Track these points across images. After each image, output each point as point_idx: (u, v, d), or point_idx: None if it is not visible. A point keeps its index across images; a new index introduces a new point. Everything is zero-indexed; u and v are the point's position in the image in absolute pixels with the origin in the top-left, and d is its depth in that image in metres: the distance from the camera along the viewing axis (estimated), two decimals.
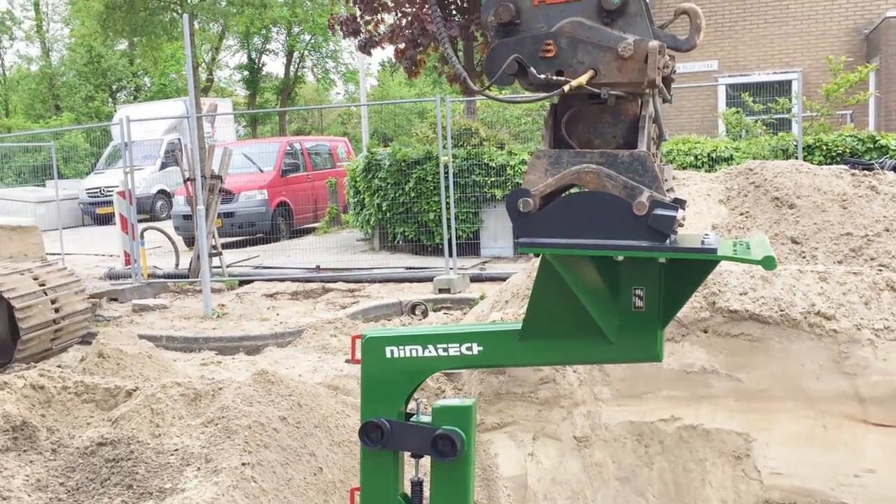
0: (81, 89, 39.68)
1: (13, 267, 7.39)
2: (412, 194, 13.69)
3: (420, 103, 49.91)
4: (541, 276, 3.00)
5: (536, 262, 3.11)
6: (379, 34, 15.17)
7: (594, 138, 2.88)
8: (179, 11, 13.16)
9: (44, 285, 7.26)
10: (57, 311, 7.24)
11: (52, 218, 17.84)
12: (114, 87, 41.78)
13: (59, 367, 6.70)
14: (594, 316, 2.87)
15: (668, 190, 2.76)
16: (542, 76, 2.80)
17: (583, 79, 2.70)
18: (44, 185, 24.58)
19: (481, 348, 3.09)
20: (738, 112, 14.73)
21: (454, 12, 14.76)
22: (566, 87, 2.74)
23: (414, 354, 3.14)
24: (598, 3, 2.75)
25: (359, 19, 15.20)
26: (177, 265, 13.40)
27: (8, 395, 4.42)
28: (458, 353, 3.12)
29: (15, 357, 7.05)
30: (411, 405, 3.15)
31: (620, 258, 2.82)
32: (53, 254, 13.25)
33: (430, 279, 11.47)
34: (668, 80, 2.88)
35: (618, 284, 2.94)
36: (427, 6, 14.29)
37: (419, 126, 23.39)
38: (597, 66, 2.69)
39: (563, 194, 2.95)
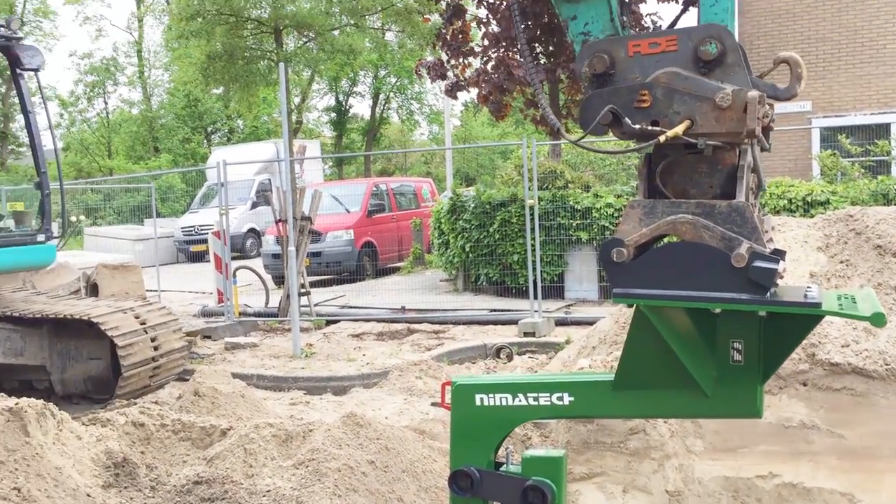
0: (179, 132, 41.43)
1: (116, 305, 7.71)
2: (496, 236, 13.71)
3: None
4: (635, 326, 2.96)
5: (625, 308, 3.05)
6: (465, 78, 15.39)
7: (690, 188, 2.85)
8: (275, 60, 13.65)
9: (144, 324, 7.54)
10: (156, 349, 7.50)
11: (150, 255, 18.57)
12: (209, 129, 43.48)
13: (156, 403, 6.94)
14: (690, 369, 2.81)
15: (767, 241, 2.70)
16: (637, 126, 2.79)
17: (679, 129, 2.68)
18: (142, 224, 25.64)
19: (573, 398, 3.05)
20: (834, 154, 14.28)
21: (540, 56, 14.88)
22: (662, 138, 2.73)
23: (504, 403, 3.13)
24: (695, 53, 2.73)
25: (446, 64, 15.47)
26: (266, 303, 13.73)
27: (110, 432, 4.59)
28: (549, 403, 3.09)
29: (116, 393, 7.32)
30: (501, 453, 3.13)
31: (718, 311, 2.76)
32: (151, 290, 13.77)
33: (514, 322, 11.42)
34: (767, 130, 2.83)
35: (715, 337, 2.88)
36: (519, 53, 14.44)
37: (503, 167, 23.52)
38: (693, 116, 2.67)
39: (658, 244, 2.92)
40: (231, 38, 13.52)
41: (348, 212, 18.89)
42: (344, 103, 46.04)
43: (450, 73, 15.54)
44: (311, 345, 10.80)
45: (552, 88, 15.10)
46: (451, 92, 15.80)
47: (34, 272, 8.90)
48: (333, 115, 46.39)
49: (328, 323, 12.56)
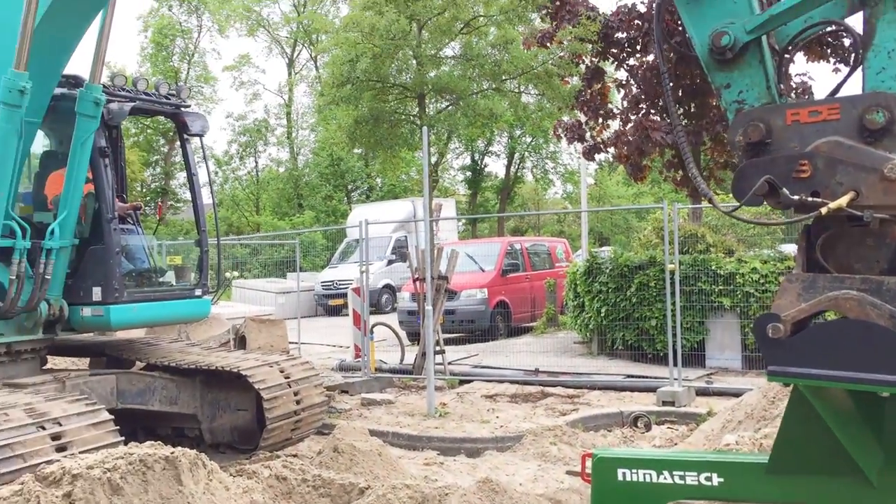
0: (322, 189, 43.25)
1: (263, 359, 8.04)
2: (634, 300, 13.42)
3: (639, 201, 49.43)
4: (792, 406, 2.81)
5: (773, 382, 2.90)
6: (603, 140, 15.34)
7: (854, 263, 2.71)
8: (418, 124, 14.10)
9: (288, 378, 7.81)
10: (298, 402, 7.74)
11: (292, 308, 19.29)
12: (349, 186, 45.17)
13: (296, 456, 7.13)
14: (852, 454, 2.64)
15: None
16: (797, 197, 2.69)
17: (842, 201, 2.57)
18: (285, 277, 26.77)
19: (722, 480, 2.92)
20: None
21: (682, 118, 14.66)
22: (824, 210, 2.62)
23: (647, 480, 3.02)
24: (860, 121, 2.63)
25: (584, 126, 15.48)
26: (401, 360, 13.94)
27: (255, 485, 4.75)
28: (696, 483, 2.97)
29: (260, 444, 7.59)
30: None
31: (886, 394, 2.59)
32: (292, 342, 14.28)
33: (652, 389, 11.08)
34: None
35: (881, 421, 2.70)
36: (665, 116, 14.27)
37: (639, 227, 23.03)
38: (858, 187, 2.56)
39: (817, 321, 2.77)
40: (377, 102, 14.09)
41: (482, 270, 19.02)
42: (479, 162, 46.83)
43: (588, 135, 15.53)
44: (444, 404, 10.85)
45: (694, 151, 14.79)
46: (589, 154, 15.76)
47: (189, 324, 9.43)
48: (469, 173, 47.22)
49: (461, 382, 12.59)
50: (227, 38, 43.57)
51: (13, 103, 6.74)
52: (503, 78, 14.75)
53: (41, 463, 4.88)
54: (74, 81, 7.86)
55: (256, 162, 47.59)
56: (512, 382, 12.37)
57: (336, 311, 25.11)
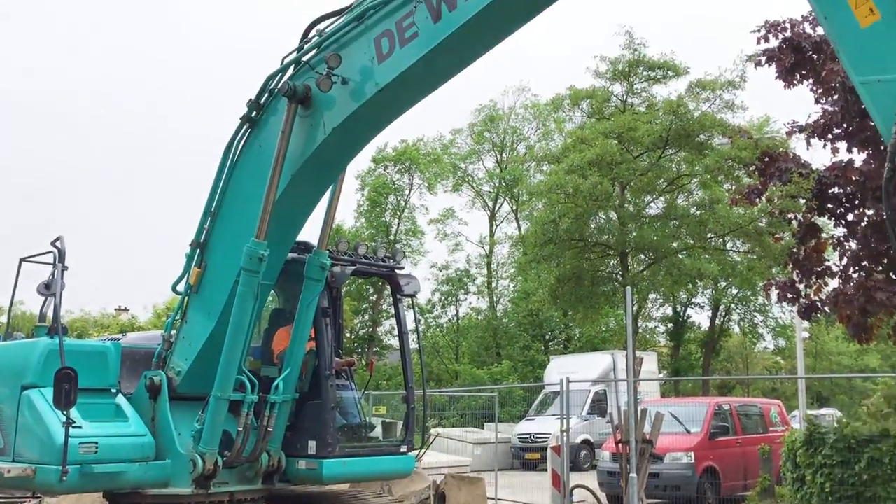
0: (520, 339, 43.52)
1: None
2: (864, 476, 12.13)
3: (863, 360, 45.48)
4: None
5: None
6: (821, 299, 14.47)
7: None
8: (620, 282, 14.06)
9: None
10: None
11: (488, 459, 19.17)
12: (547, 336, 45.11)
13: None
14: None
15: None
16: None
17: None
18: (482, 427, 26.74)
19: None
20: None
21: None
22: None
23: None
24: None
25: (798, 284, 14.74)
26: None
27: None
28: None
29: None
30: None
31: None
32: (490, 498, 14.08)
33: None
34: None
35: None
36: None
37: (866, 390, 21.07)
38: None
39: None
40: (579, 261, 14.28)
41: (688, 432, 18.01)
42: (681, 314, 45.37)
43: (803, 295, 14.72)
44: None
45: None
46: (805, 314, 14.87)
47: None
48: (670, 325, 45.78)
49: None
50: (435, 195, 45.90)
51: (253, 269, 7.46)
52: (709, 236, 14.52)
53: None
54: (304, 247, 8.62)
55: (457, 310, 48.97)
56: None
57: (532, 466, 24.60)
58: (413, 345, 10.31)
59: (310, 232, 8.57)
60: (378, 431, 8.97)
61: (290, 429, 8.11)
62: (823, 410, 34.36)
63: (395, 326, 9.82)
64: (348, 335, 41.31)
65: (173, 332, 8.10)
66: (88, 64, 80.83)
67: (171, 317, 8.33)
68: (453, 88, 7.40)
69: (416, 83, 6.87)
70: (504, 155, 47.47)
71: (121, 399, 7.72)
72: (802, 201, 14.17)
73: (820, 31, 13.41)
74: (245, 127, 7.84)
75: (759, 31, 14.27)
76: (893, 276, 13.20)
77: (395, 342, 9.79)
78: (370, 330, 43.64)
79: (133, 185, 76.98)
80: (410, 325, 9.93)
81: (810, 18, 14.11)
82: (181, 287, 8.10)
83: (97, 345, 8.46)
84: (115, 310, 49.02)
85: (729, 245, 17.12)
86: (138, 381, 7.91)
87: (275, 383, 7.83)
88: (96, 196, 78.20)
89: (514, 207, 46.08)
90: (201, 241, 7.99)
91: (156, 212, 77.82)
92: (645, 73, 16.81)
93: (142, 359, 8.19)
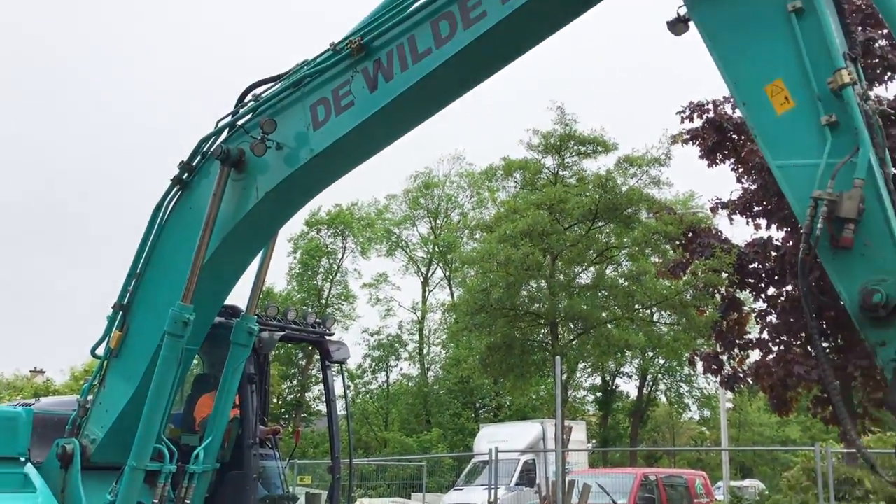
0: (450, 406, 43.17)
1: None
2: None
3: (784, 431, 46.43)
4: None
5: None
6: (743, 370, 14.82)
7: None
8: (550, 352, 14.17)
9: None
10: None
11: None
12: (477, 404, 44.87)
13: None
14: None
15: None
16: None
17: None
18: (409, 497, 26.17)
19: None
20: None
21: (828, 352, 14.04)
22: None
23: None
24: None
25: (721, 356, 15.08)
26: None
27: None
28: None
29: None
30: None
31: None
32: None
33: None
34: None
35: None
36: (815, 352, 13.74)
37: (787, 461, 21.47)
38: None
39: None
40: (510, 329, 14.35)
41: (615, 503, 18.00)
42: (610, 383, 45.80)
43: (726, 366, 15.06)
44: None
45: (843, 386, 13.99)
46: (728, 384, 15.20)
47: None
48: (599, 394, 46.12)
49: None
50: (368, 259, 45.80)
51: (177, 333, 7.24)
52: (636, 307, 14.82)
53: None
54: (232, 311, 8.43)
55: (388, 376, 48.45)
56: None
57: None
58: (341, 411, 10.12)
59: (239, 295, 8.42)
60: (301, 503, 8.71)
61: (210, 500, 7.80)
62: (746, 482, 34.83)
63: (324, 392, 9.65)
64: (275, 401, 40.37)
65: (90, 397, 7.76)
66: None
67: (88, 381, 8.00)
68: (389, 155, 7.45)
69: (351, 151, 6.89)
70: (438, 221, 47.83)
71: (29, 468, 7.32)
72: (725, 275, 14.60)
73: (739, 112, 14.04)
74: (175, 188, 7.71)
75: (683, 111, 14.87)
76: (811, 351, 13.62)
77: (324, 408, 9.62)
78: (298, 395, 42.77)
79: (46, 241, 74.66)
80: (339, 391, 9.77)
81: (731, 100, 14.79)
82: (101, 350, 7.80)
83: (7, 410, 8.06)
84: (31, 371, 47.04)
85: (656, 316, 17.47)
86: (50, 448, 7.54)
87: (195, 452, 7.55)
88: (8, 250, 75.59)
89: (448, 274, 46.25)
90: (124, 303, 7.74)
91: (77, 269, 75.57)
92: (576, 148, 17.28)
93: (55, 425, 7.81)
